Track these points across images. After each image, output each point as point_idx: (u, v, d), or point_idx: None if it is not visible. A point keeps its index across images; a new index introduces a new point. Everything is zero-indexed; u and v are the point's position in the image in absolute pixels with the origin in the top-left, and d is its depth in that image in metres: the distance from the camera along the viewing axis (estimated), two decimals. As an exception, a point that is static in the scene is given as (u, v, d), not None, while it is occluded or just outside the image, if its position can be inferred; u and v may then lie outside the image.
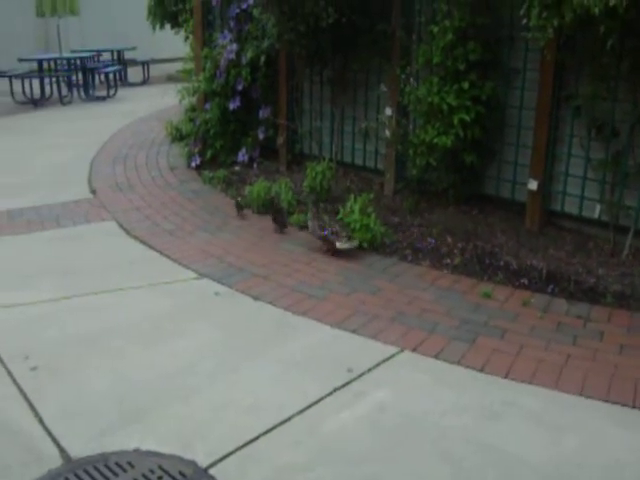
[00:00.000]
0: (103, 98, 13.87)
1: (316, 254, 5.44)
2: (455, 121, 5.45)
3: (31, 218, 6.34)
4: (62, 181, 7.65)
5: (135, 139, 9.67)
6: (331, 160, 6.81)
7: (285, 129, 7.52)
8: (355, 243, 5.39)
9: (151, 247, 5.61)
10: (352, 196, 5.69)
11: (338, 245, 5.35)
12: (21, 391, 3.59)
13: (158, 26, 16.17)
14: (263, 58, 7.06)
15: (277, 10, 5.99)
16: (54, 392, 3.60)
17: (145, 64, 16.66)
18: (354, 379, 3.70)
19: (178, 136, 9.16)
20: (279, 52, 7.22)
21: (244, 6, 7.32)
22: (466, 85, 5.48)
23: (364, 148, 6.97)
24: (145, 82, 16.67)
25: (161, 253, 5.48)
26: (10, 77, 13.25)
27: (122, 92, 14.60)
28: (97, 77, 15.27)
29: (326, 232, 5.39)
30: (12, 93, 13.33)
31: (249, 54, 7.14)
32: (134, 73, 16.86)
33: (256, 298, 4.66)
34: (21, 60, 13.76)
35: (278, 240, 5.74)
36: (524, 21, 4.72)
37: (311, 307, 4.52)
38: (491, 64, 5.69)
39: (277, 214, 5.90)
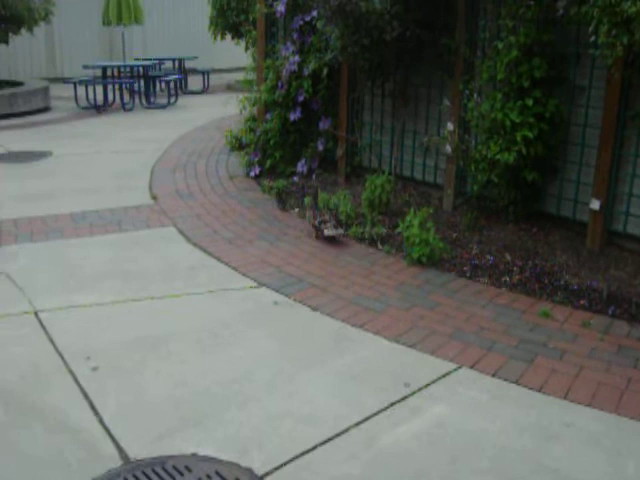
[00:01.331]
0: (164, 106, 14.10)
1: (375, 267, 5.45)
2: (518, 138, 5.41)
3: (94, 221, 6.46)
4: (124, 186, 7.79)
5: (195, 147, 9.81)
6: (390, 173, 6.80)
7: (345, 141, 7.54)
8: (340, 231, 5.94)
9: (210, 254, 5.67)
10: (412, 210, 5.67)
11: (325, 232, 5.90)
12: (82, 391, 3.67)
13: (219, 36, 16.47)
14: (325, 70, 7.11)
15: (341, 23, 6.02)
16: (114, 393, 3.66)
17: (205, 73, 16.90)
18: (411, 394, 3.69)
19: (237, 145, 9.25)
20: (341, 64, 7.26)
21: (307, 18, 7.39)
22: (530, 102, 5.43)
23: (424, 162, 6.96)
24: (205, 91, 16.91)
25: (220, 260, 5.54)
26: (75, 83, 13.56)
27: (182, 100, 14.83)
28: (158, 85, 15.55)
29: (317, 220, 5.98)
30: (76, 99, 13.65)
31: (311, 66, 7.20)
32: (194, 82, 17.13)
33: (314, 309, 4.68)
34: (86, 67, 14.07)
35: (337, 252, 5.75)
36: (592, 38, 4.68)
37: (369, 320, 4.52)
38: (556, 81, 5.63)
39: (279, 198, 6.91)
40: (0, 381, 3.76)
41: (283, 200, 6.94)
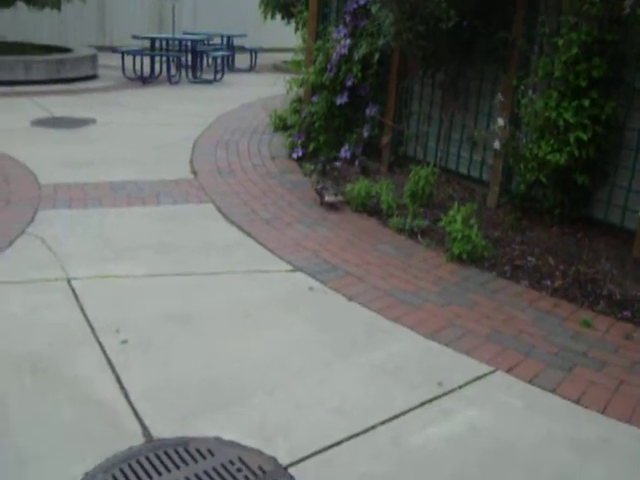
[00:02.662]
0: (210, 81, 14.03)
1: (414, 260, 5.33)
2: (571, 139, 5.24)
3: (132, 192, 6.41)
4: (165, 159, 7.74)
5: (238, 124, 9.73)
6: (435, 166, 6.65)
7: (391, 130, 7.40)
8: (340, 198, 6.33)
9: (248, 234, 5.59)
10: (455, 205, 5.53)
11: (326, 198, 6.31)
12: (110, 364, 3.61)
13: (269, 15, 16.39)
14: (377, 56, 6.95)
15: (397, 8, 5.87)
16: (141, 369, 3.60)
17: (253, 52, 16.80)
18: (444, 394, 3.58)
19: (281, 126, 9.16)
20: (393, 51, 7.11)
21: (362, 1, 7.24)
22: (587, 103, 5.26)
23: (470, 157, 6.80)
24: (251, 69, 16.83)
25: (257, 241, 5.45)
26: (123, 53, 13.55)
27: (228, 77, 14.75)
28: (205, 60, 15.49)
29: (320, 187, 6.41)
30: (123, 69, 13.64)
31: (362, 50, 7.05)
32: (241, 60, 17.03)
33: (350, 298, 4.58)
34: (135, 37, 14.05)
35: (376, 242, 5.63)
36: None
37: (404, 314, 4.41)
38: (614, 82, 5.44)
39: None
40: (28, 346, 3.72)
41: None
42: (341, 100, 7.48)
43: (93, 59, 13.81)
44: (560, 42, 5.34)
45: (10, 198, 6.07)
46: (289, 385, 3.55)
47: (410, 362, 3.87)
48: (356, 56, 7.17)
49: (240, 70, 16.55)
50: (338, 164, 7.48)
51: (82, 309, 4.15)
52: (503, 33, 6.03)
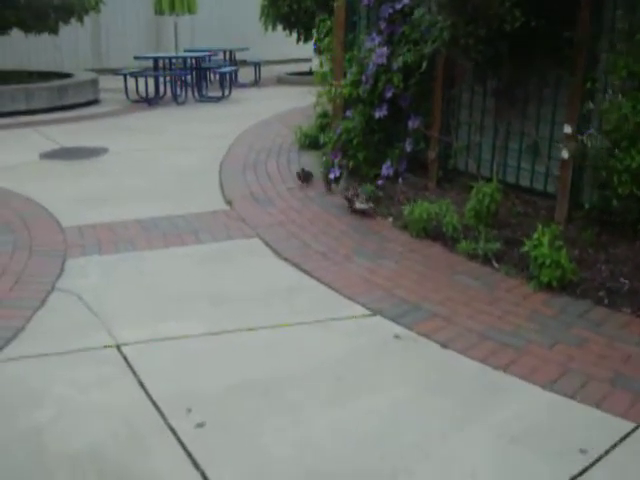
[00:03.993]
0: (217, 99, 13.45)
1: (498, 291, 4.72)
2: (668, 145, 4.68)
3: (166, 230, 5.81)
4: (192, 188, 7.16)
5: (262, 144, 9.11)
6: (491, 179, 6.04)
7: (437, 143, 6.80)
8: (372, 205, 6.24)
9: (306, 272, 4.98)
10: (540, 227, 4.93)
11: (357, 205, 6.21)
12: (190, 456, 3.00)
13: (270, 27, 15.89)
14: (425, 64, 6.31)
15: (454, 11, 5.27)
16: (229, 458, 3.01)
17: (257, 65, 16.25)
18: (592, 464, 2.98)
19: (307, 143, 8.59)
20: (438, 57, 6.49)
21: (398, 6, 6.66)
22: (680, 103, 4.70)
23: (532, 168, 6.19)
24: (256, 83, 16.26)
25: (319, 281, 4.84)
26: (125, 75, 12.98)
27: (235, 93, 14.13)
28: (209, 77, 14.93)
29: (350, 193, 6.29)
30: (126, 91, 13.07)
31: (405, 58, 6.42)
32: (243, 74, 16.48)
33: (444, 345, 3.97)
34: (137, 58, 13.47)
35: (450, 272, 5.02)
36: None
37: (511, 361, 3.81)
38: (703, 79, 4.88)
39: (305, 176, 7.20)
40: (87, 439, 3.11)
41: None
42: (380, 113, 6.87)
43: (94, 83, 13.26)
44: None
45: (32, 246, 5.47)
46: (411, 466, 2.95)
47: (537, 424, 3.28)
48: (395, 65, 6.57)
49: (243, 85, 15.97)
50: (380, 182, 6.85)
51: (142, 384, 3.54)
52: (568, 32, 5.44)
